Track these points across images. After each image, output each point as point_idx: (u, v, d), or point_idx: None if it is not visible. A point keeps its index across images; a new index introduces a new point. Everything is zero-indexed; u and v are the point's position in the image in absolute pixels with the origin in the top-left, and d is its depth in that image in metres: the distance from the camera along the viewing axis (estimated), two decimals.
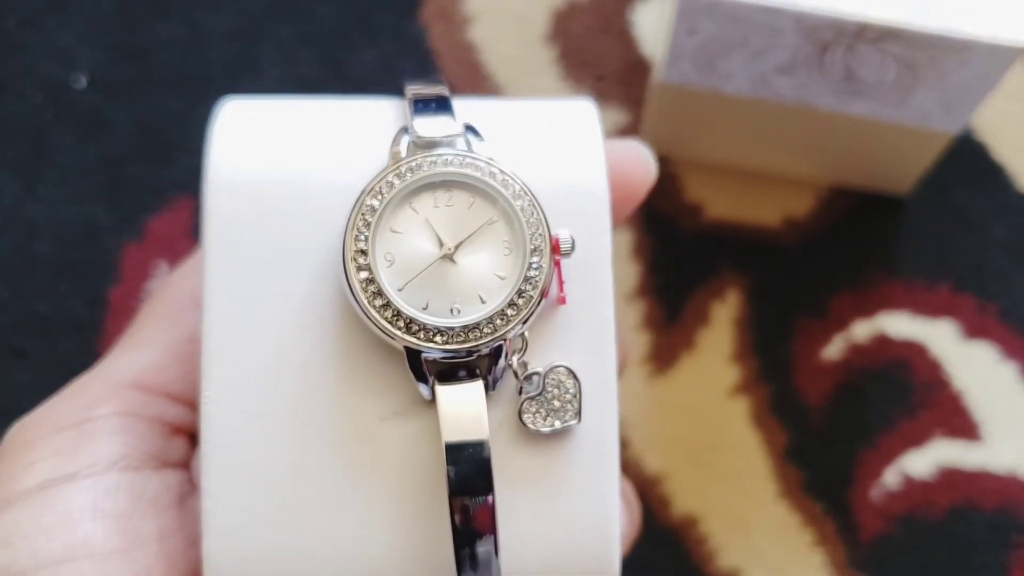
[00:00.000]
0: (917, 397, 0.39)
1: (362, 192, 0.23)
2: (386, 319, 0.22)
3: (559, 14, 0.42)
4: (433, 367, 0.23)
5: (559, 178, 0.25)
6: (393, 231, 0.23)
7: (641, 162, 0.27)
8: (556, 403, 0.23)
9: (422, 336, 0.22)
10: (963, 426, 0.39)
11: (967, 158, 0.41)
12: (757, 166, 0.41)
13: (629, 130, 0.41)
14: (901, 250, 0.40)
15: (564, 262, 0.23)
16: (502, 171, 0.23)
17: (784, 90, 0.35)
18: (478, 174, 0.23)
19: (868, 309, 0.40)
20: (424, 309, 0.23)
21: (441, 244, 0.23)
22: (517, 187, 0.23)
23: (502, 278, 0.23)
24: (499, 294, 0.23)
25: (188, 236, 0.39)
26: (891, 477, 0.38)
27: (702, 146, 0.40)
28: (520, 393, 0.23)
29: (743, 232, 0.41)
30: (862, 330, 0.39)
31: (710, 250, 0.40)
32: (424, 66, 0.42)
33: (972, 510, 0.38)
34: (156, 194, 0.40)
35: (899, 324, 0.40)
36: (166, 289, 0.29)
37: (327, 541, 0.23)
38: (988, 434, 0.39)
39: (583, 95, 0.42)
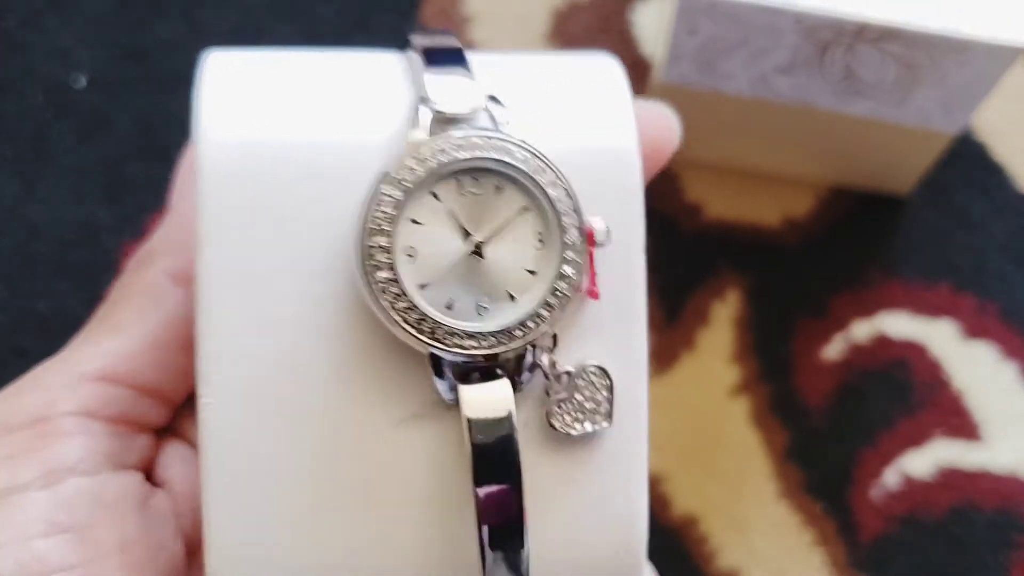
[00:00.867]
0: (917, 397, 0.39)
1: (379, 178, 0.20)
2: (411, 324, 0.20)
3: (559, 14, 0.42)
4: (456, 367, 0.21)
5: (588, 148, 0.22)
6: (414, 222, 0.20)
7: (667, 123, 0.25)
8: (588, 405, 0.21)
9: (449, 342, 0.20)
10: (963, 426, 0.39)
11: (967, 158, 0.41)
12: (757, 166, 0.41)
13: None
14: (901, 250, 0.40)
15: (597, 251, 0.21)
16: (535, 154, 0.20)
17: (784, 90, 0.35)
18: (510, 159, 0.20)
19: (868, 309, 0.40)
20: (449, 308, 0.21)
21: (467, 236, 0.20)
22: (552, 175, 0.20)
23: (533, 273, 0.21)
24: (531, 291, 0.21)
25: None
26: (891, 477, 0.38)
27: (702, 146, 0.40)
28: (548, 394, 0.22)
29: (743, 232, 0.41)
30: (862, 330, 0.39)
31: (710, 250, 0.40)
32: None
33: (972, 510, 0.38)
34: (156, 194, 0.40)
35: (899, 324, 0.40)
36: (139, 267, 0.26)
37: (341, 550, 0.22)
38: (988, 434, 0.39)
39: None
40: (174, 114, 0.41)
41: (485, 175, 0.20)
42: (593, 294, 0.21)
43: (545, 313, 0.20)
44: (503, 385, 0.21)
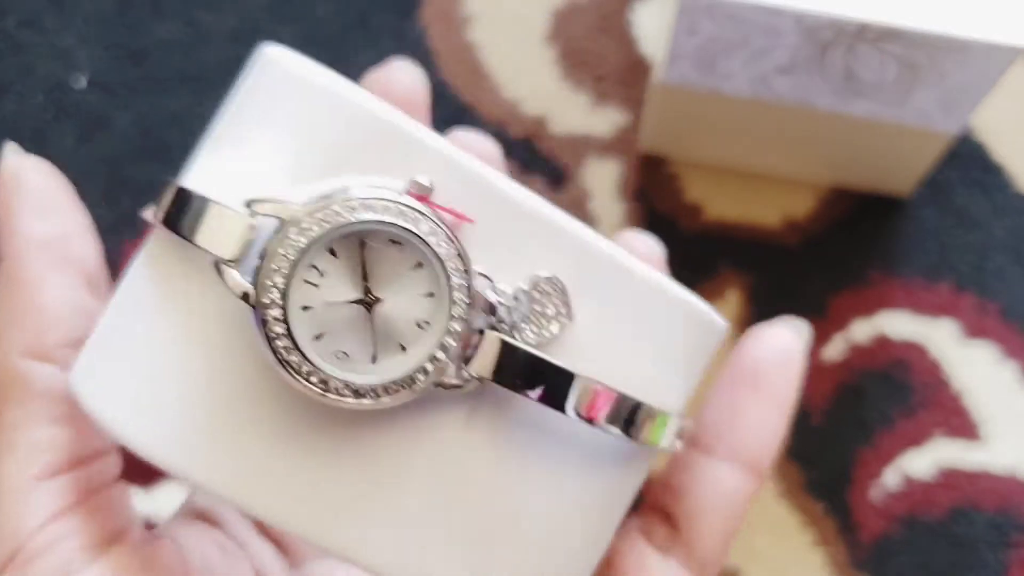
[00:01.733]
0: (917, 397, 0.39)
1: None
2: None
3: (559, 14, 0.42)
4: None
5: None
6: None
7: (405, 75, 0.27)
8: (549, 311, 0.22)
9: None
10: (963, 426, 0.39)
11: (967, 158, 0.41)
12: (757, 166, 0.41)
13: (629, 130, 0.41)
14: (901, 250, 0.40)
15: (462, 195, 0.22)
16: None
17: (784, 90, 0.35)
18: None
19: (868, 309, 0.40)
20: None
21: (362, 290, 0.21)
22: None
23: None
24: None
25: None
26: (891, 477, 0.38)
27: (702, 146, 0.40)
28: (504, 322, 0.21)
29: (743, 232, 0.41)
30: (862, 330, 0.39)
31: (710, 250, 0.40)
32: (424, 66, 0.42)
33: (972, 510, 0.38)
34: (156, 194, 0.40)
35: (899, 324, 0.40)
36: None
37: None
38: (988, 434, 0.39)
39: (583, 95, 0.42)
40: (174, 114, 0.41)
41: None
42: (463, 218, 0.22)
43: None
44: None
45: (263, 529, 0.28)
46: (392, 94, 0.26)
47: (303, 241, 0.20)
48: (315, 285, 0.21)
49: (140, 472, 0.24)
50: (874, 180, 0.40)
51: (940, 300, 0.40)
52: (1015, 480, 0.38)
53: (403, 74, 0.28)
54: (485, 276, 0.21)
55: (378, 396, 0.21)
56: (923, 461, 0.38)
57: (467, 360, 0.21)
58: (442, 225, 0.21)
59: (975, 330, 0.39)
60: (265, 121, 0.22)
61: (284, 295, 0.20)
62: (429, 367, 0.21)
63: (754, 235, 0.41)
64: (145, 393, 0.21)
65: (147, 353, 0.21)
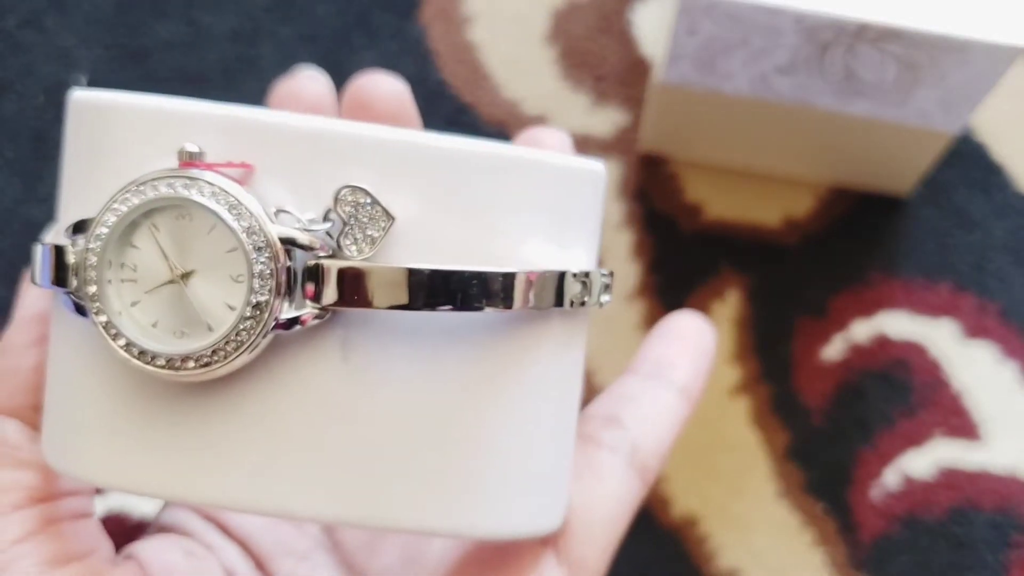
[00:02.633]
0: (917, 397, 0.39)
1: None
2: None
3: (559, 14, 0.42)
4: None
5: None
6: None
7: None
8: (365, 219, 0.22)
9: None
10: (963, 426, 0.39)
11: (967, 158, 0.41)
12: (757, 166, 0.41)
13: (629, 130, 0.41)
14: (901, 250, 0.40)
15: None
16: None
17: (784, 90, 0.35)
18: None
19: (868, 309, 0.40)
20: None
21: (174, 267, 0.22)
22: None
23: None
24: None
25: None
26: (891, 477, 0.38)
27: (702, 146, 0.40)
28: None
29: (743, 232, 0.41)
30: (862, 330, 0.39)
31: (710, 250, 0.40)
32: (424, 66, 0.42)
33: (972, 510, 0.38)
34: None
35: (899, 324, 0.40)
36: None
37: None
38: (988, 434, 0.39)
39: (583, 95, 0.42)
40: None
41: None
42: (240, 166, 0.22)
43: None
44: None
45: (227, 531, 0.30)
46: (300, 100, 0.28)
47: (97, 247, 0.22)
48: (133, 281, 0.22)
49: None
50: (874, 180, 0.40)
51: (940, 300, 0.40)
52: (1015, 480, 0.38)
53: (311, 83, 0.30)
54: (286, 212, 0.22)
55: (226, 356, 0.21)
56: (923, 461, 0.38)
57: (317, 296, 0.21)
58: (216, 183, 0.21)
59: (975, 330, 0.39)
60: (71, 159, 0.24)
61: (102, 298, 0.22)
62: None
63: (754, 235, 0.41)
64: (67, 432, 0.23)
65: (59, 398, 0.24)
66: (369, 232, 0.22)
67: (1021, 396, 0.39)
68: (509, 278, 0.22)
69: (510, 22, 0.42)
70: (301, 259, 0.21)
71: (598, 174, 0.24)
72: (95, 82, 0.41)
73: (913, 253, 0.40)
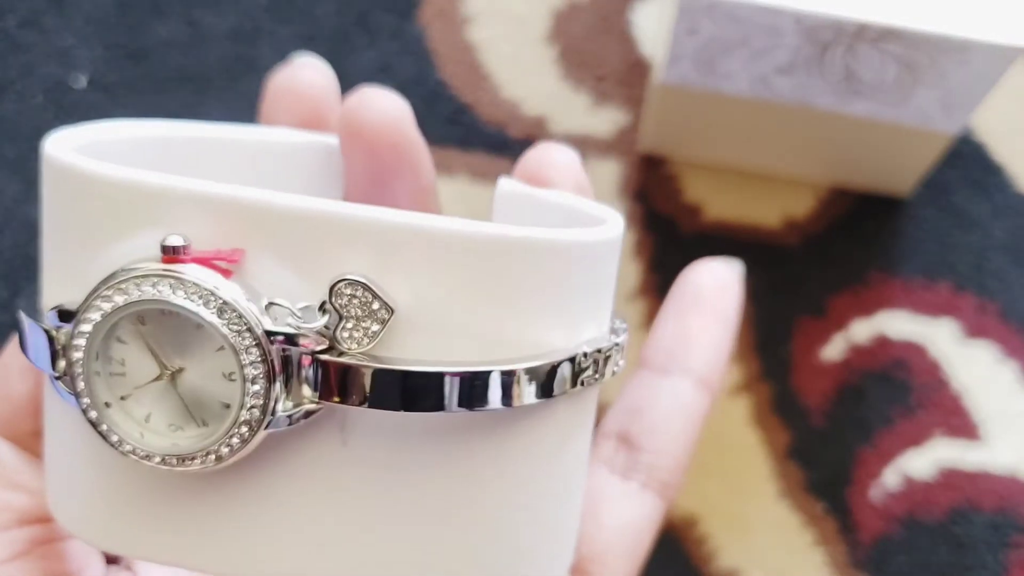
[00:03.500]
0: (917, 397, 0.39)
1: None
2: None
3: (559, 14, 0.42)
4: None
5: None
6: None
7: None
8: (362, 311, 0.20)
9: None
10: (963, 426, 0.39)
11: (967, 158, 0.41)
12: (757, 166, 0.41)
13: (629, 130, 0.41)
14: (901, 250, 0.40)
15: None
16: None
17: (784, 90, 0.35)
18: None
19: (868, 309, 0.40)
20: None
21: (163, 364, 0.21)
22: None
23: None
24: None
25: None
26: (891, 477, 0.38)
27: (702, 146, 0.40)
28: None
29: (743, 232, 0.41)
30: (862, 330, 0.39)
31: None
32: (424, 66, 0.42)
33: (972, 510, 0.38)
34: None
35: (899, 324, 0.40)
36: None
37: None
38: (988, 434, 0.39)
39: (583, 94, 0.42)
40: (174, 114, 0.41)
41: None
42: (231, 257, 0.20)
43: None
44: None
45: None
46: (298, 91, 0.27)
47: (82, 343, 0.21)
48: (122, 375, 0.21)
49: None
50: (874, 180, 0.40)
51: (940, 300, 0.40)
52: (1015, 480, 0.38)
53: (309, 72, 0.28)
54: (278, 304, 0.20)
55: (221, 459, 0.21)
56: (923, 461, 0.38)
57: (313, 391, 0.20)
58: (202, 281, 0.20)
59: (975, 330, 0.39)
60: (50, 223, 0.22)
61: (91, 393, 0.21)
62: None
63: (754, 235, 0.41)
64: (69, 497, 0.23)
65: (57, 464, 0.23)
66: (366, 325, 0.20)
67: (1021, 396, 0.39)
68: (509, 376, 0.20)
69: (510, 22, 0.42)
70: (296, 354, 0.20)
71: (613, 242, 0.22)
72: (95, 82, 0.41)
73: (913, 253, 0.40)
